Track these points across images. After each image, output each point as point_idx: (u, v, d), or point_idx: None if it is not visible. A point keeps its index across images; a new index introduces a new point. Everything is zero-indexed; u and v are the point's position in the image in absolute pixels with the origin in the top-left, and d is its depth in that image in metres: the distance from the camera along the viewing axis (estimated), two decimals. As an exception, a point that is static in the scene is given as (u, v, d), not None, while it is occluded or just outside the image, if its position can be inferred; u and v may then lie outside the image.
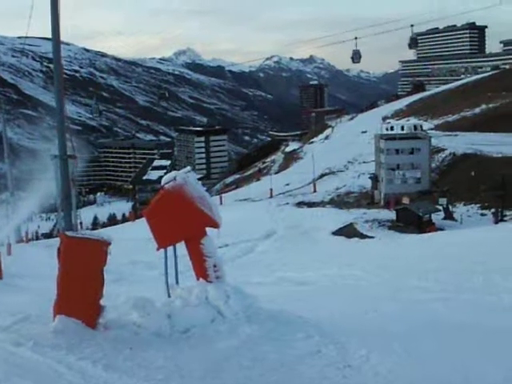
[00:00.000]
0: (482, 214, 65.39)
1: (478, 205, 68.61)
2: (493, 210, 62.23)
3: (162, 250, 9.72)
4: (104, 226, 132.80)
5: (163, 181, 9.76)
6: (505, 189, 60.12)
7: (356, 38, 72.67)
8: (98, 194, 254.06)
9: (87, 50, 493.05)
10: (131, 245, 40.72)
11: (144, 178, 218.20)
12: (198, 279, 9.74)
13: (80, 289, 8.95)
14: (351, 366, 7.52)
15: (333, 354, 7.95)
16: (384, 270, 23.23)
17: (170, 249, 9.78)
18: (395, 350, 7.98)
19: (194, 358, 7.83)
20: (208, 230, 9.88)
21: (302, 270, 26.04)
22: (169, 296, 9.75)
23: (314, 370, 7.46)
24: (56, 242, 10.50)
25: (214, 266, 9.71)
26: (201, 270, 9.68)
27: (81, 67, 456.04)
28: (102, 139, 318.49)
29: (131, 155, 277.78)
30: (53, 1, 9.21)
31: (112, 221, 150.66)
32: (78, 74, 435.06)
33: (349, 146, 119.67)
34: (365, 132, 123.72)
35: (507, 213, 61.35)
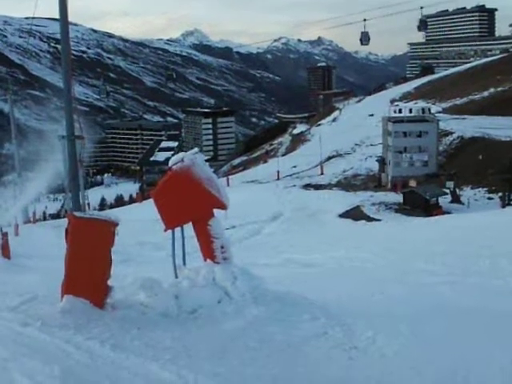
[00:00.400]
0: (489, 198, 65.27)
1: (486, 188, 68.46)
2: (500, 194, 62.12)
3: (170, 231, 9.75)
4: (111, 207, 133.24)
5: (171, 162, 9.76)
6: (512, 172, 59.98)
7: (365, 20, 72.34)
8: (105, 175, 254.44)
9: (95, 31, 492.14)
10: (138, 226, 40.86)
11: (151, 159, 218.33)
12: (205, 260, 9.77)
13: (88, 269, 8.98)
14: (357, 348, 7.54)
15: (339, 335, 7.97)
16: (391, 253, 23.24)
17: (178, 230, 9.80)
18: (402, 332, 7.99)
19: (200, 339, 7.87)
20: (215, 211, 9.89)
21: (309, 252, 26.06)
22: (176, 277, 9.79)
23: (320, 352, 7.49)
24: (63, 222, 10.53)
25: (222, 247, 9.73)
26: (208, 251, 9.71)
27: (88, 48, 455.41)
28: (109, 120, 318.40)
29: (138, 136, 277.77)
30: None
31: (119, 202, 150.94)
32: (85, 55, 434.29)
33: (356, 129, 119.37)
34: (372, 115, 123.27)
35: (514, 197, 61.22)
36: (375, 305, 10.30)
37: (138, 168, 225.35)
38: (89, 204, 9.55)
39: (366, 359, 7.26)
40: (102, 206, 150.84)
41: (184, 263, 9.97)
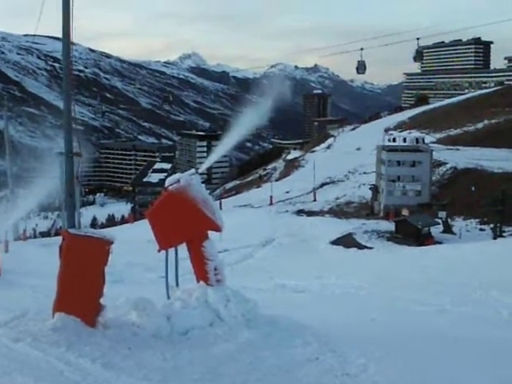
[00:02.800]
0: (481, 229, 65.40)
1: (477, 219, 68.62)
2: (492, 226, 62.23)
3: (163, 252, 9.71)
4: (102, 226, 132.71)
5: (167, 182, 9.76)
6: (504, 204, 60.14)
7: (362, 49, 73.02)
8: (98, 194, 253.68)
9: (92, 51, 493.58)
10: (129, 246, 40.68)
11: (144, 180, 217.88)
12: (198, 282, 9.74)
13: (80, 287, 8.91)
14: (349, 375, 7.51)
15: (331, 361, 7.94)
16: (382, 281, 23.26)
17: (171, 251, 9.77)
18: (394, 360, 7.97)
19: (192, 361, 7.82)
20: (210, 233, 9.88)
21: (301, 278, 26.03)
22: (168, 298, 9.74)
23: (311, 377, 7.46)
24: (54, 240, 10.49)
25: (215, 269, 9.70)
26: (201, 273, 9.68)
27: (85, 67, 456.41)
28: (103, 140, 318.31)
29: (132, 157, 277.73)
30: (65, 0, 9.20)
31: (111, 222, 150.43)
32: (82, 74, 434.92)
33: (350, 156, 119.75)
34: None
35: (506, 228, 61.36)
36: (367, 332, 10.27)
37: (130, 188, 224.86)
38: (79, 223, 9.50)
39: (358, 386, 7.23)
40: (94, 225, 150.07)
41: (177, 284, 9.93)
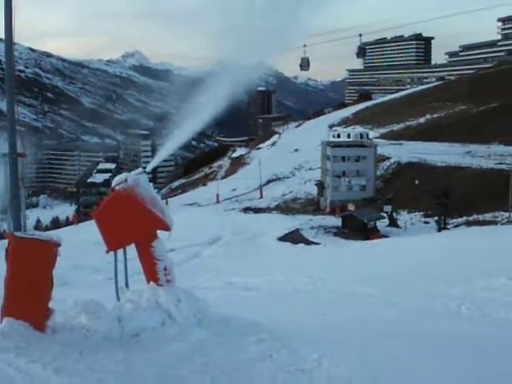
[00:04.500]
0: (426, 222, 66.62)
1: (422, 212, 69.80)
2: (436, 218, 63.36)
3: (111, 253, 9.56)
4: (47, 229, 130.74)
5: (114, 182, 9.60)
6: (448, 197, 61.30)
7: (305, 46, 73.35)
8: (41, 196, 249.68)
9: (33, 50, 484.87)
10: (74, 248, 40.21)
11: (88, 180, 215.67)
12: (148, 282, 9.62)
13: (28, 291, 8.70)
14: (303, 370, 7.50)
15: (284, 358, 7.92)
16: (330, 276, 23.42)
17: (120, 251, 9.63)
18: (347, 355, 7.99)
19: (145, 362, 7.72)
20: (159, 232, 9.77)
21: (249, 276, 26.05)
22: (118, 299, 9.60)
23: (265, 374, 7.42)
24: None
25: (165, 269, 9.60)
26: (151, 274, 9.57)
27: (26, 67, 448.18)
28: (46, 141, 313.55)
29: (75, 158, 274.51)
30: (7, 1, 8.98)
31: (55, 224, 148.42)
32: (22, 74, 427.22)
33: (295, 153, 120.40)
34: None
35: (450, 221, 62.54)
36: (319, 327, 10.30)
37: (74, 189, 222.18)
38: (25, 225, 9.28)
39: (312, 382, 7.23)
40: (38, 228, 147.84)
41: (127, 285, 9.80)
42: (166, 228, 9.77)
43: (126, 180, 9.48)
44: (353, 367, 7.56)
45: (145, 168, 10.32)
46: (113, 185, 9.59)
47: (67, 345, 8.24)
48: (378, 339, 9.15)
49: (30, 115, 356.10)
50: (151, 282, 9.55)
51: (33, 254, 8.74)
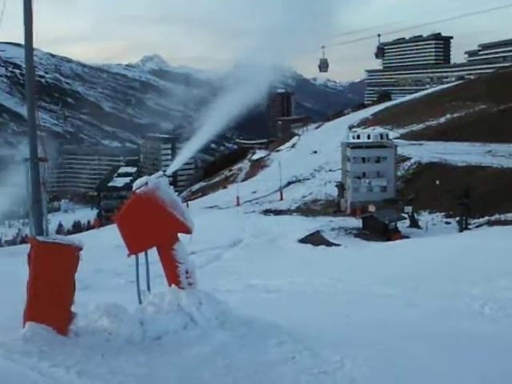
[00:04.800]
0: (447, 222, 66.12)
1: (443, 213, 69.34)
2: (457, 219, 62.89)
3: (133, 257, 9.58)
4: (69, 233, 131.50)
5: (135, 186, 9.63)
6: (469, 197, 60.86)
7: (323, 47, 73.11)
8: (63, 200, 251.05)
9: (53, 56, 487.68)
10: (96, 253, 40.30)
11: (109, 184, 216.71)
12: (169, 285, 9.63)
13: (51, 295, 8.75)
14: (326, 373, 7.48)
15: (307, 360, 7.90)
16: (351, 278, 23.31)
17: (141, 255, 9.64)
18: (369, 356, 7.95)
19: (167, 365, 7.73)
20: (180, 235, 9.78)
21: (270, 278, 25.97)
22: (140, 302, 9.63)
23: (288, 377, 7.41)
24: (20, 249, 10.31)
25: (186, 272, 9.61)
26: (173, 277, 9.58)
27: (46, 73, 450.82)
28: (66, 145, 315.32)
29: (96, 162, 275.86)
30: (26, 5, 9.03)
31: (77, 228, 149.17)
32: (43, 80, 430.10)
33: (315, 154, 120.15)
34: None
35: (471, 221, 62.07)
36: (341, 329, 10.26)
37: (95, 194, 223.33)
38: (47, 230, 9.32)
39: (335, 384, 7.21)
40: (59, 232, 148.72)
41: (148, 289, 9.82)
42: (187, 231, 9.77)
43: (146, 183, 9.51)
44: (375, 368, 7.53)
45: (165, 171, 10.34)
46: (134, 188, 9.62)
47: (90, 348, 8.28)
48: (399, 340, 9.11)
49: (50, 120, 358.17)
50: (173, 285, 9.57)
51: (55, 259, 8.79)
